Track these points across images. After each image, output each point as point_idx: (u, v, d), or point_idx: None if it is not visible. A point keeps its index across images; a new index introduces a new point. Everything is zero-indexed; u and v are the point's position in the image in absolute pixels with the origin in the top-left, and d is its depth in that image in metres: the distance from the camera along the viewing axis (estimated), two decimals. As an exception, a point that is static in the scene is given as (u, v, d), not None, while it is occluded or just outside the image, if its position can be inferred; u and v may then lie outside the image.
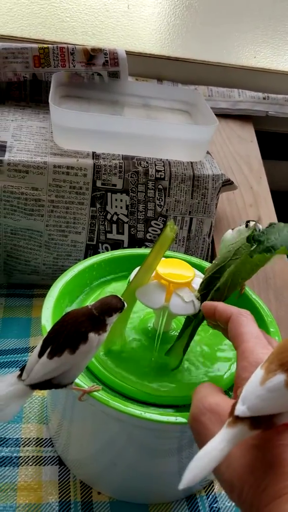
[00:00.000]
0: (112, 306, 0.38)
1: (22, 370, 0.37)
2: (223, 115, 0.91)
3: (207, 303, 0.38)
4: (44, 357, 0.36)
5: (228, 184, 0.72)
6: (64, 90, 0.74)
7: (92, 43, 0.88)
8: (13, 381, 0.36)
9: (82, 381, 0.38)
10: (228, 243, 0.48)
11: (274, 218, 0.79)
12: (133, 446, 0.42)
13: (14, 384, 0.36)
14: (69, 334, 0.36)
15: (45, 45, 0.74)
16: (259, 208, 0.79)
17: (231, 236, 0.46)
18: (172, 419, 0.37)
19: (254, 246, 0.40)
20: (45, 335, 0.37)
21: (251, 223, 0.50)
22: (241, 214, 0.78)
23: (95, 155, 0.64)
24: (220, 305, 0.37)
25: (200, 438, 0.29)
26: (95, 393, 0.38)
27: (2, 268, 0.68)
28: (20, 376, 0.36)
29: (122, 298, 0.38)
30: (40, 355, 0.36)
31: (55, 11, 0.86)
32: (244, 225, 0.50)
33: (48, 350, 0.36)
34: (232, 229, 0.49)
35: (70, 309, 0.45)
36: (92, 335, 0.36)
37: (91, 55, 0.74)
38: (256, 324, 0.35)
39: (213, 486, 0.50)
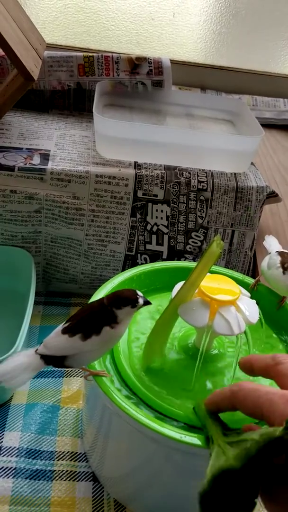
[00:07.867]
0: (123, 297, 0.37)
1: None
2: (267, 125, 0.89)
3: (241, 361, 0.36)
4: (60, 331, 0.38)
5: (272, 196, 0.69)
6: (107, 99, 0.74)
7: (137, 51, 0.88)
8: (30, 353, 0.38)
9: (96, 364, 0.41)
10: (267, 275, 0.48)
11: None
12: (170, 467, 0.41)
13: (30, 356, 0.38)
14: (84, 320, 0.38)
15: (90, 54, 0.74)
16: (303, 221, 0.77)
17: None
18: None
19: None
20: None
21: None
22: (285, 228, 0.75)
23: (137, 165, 0.63)
24: (256, 367, 0.35)
25: None
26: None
27: (41, 275, 0.68)
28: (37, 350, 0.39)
29: (138, 292, 0.38)
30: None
31: (100, 19, 0.86)
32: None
33: (66, 325, 0.38)
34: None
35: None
36: (106, 329, 0.37)
37: (135, 64, 0.74)
38: None
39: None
